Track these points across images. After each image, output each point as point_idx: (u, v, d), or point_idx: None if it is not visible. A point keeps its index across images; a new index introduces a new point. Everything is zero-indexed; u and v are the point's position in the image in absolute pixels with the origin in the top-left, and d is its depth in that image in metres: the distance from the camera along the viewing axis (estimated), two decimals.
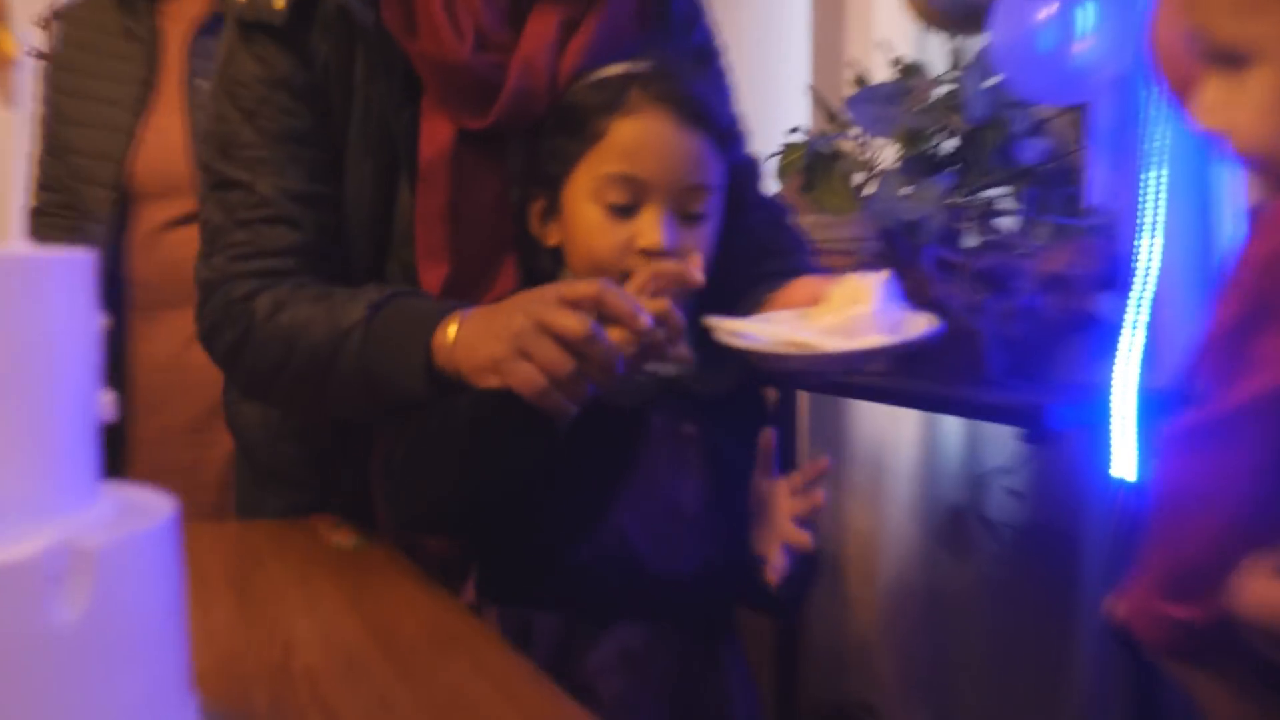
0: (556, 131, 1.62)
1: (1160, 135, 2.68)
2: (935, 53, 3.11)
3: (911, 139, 2.87)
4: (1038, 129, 3.13)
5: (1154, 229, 2.71)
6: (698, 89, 1.65)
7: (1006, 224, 3.11)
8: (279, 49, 1.62)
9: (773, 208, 2.00)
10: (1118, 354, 2.69)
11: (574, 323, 1.35)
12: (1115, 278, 2.93)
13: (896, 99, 2.95)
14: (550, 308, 1.38)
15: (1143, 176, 2.68)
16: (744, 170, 1.86)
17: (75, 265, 0.77)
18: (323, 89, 1.62)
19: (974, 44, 3.09)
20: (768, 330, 1.45)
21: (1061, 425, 2.58)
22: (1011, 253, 3.04)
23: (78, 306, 0.77)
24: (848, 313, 1.38)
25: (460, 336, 1.46)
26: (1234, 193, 2.72)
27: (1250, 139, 1.09)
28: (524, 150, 1.67)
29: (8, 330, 0.74)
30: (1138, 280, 2.68)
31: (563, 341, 1.37)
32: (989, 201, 3.05)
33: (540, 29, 1.62)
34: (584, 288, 1.40)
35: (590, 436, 1.51)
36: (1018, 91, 2.94)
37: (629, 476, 1.58)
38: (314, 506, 1.84)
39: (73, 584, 0.72)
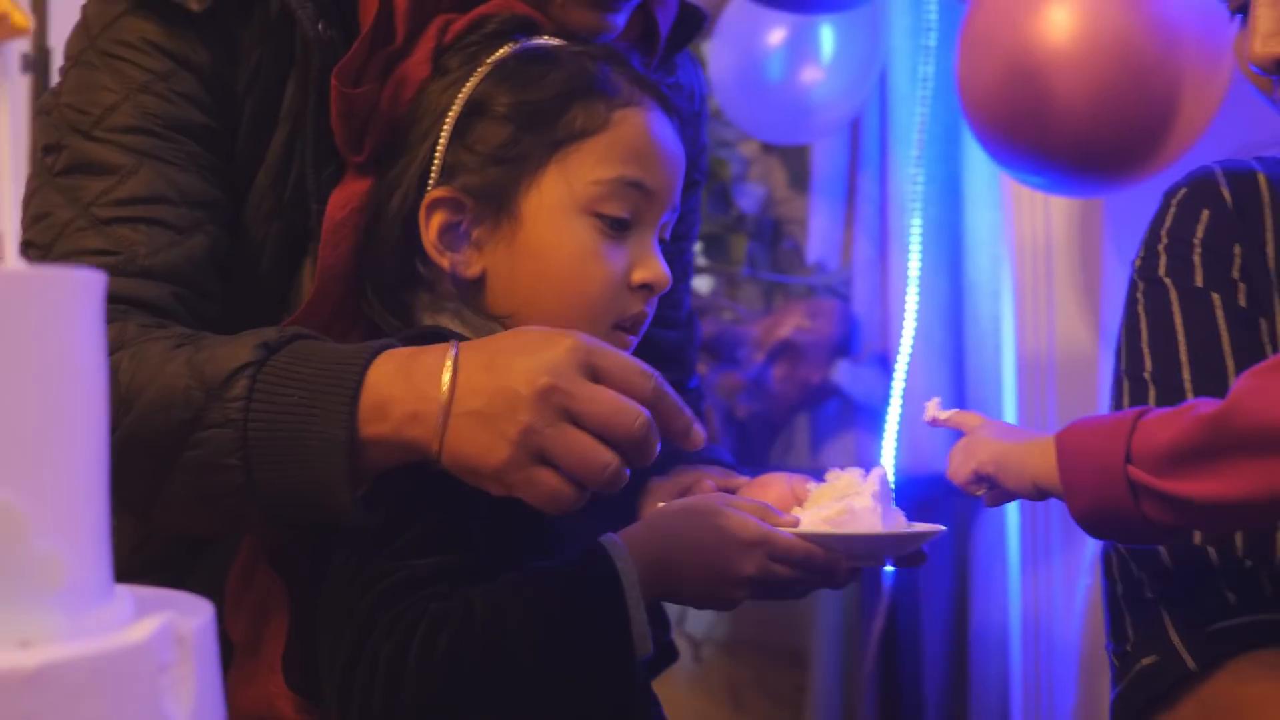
0: (501, 119, 1.22)
1: (913, 182, 2.32)
2: None
3: None
4: (745, 172, 2.76)
5: (910, 287, 2.34)
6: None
7: (700, 285, 2.78)
8: (193, 37, 1.21)
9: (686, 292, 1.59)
10: (883, 433, 2.31)
11: (617, 409, 1.04)
12: (851, 344, 2.59)
13: None
14: (576, 388, 1.04)
15: (911, 226, 2.30)
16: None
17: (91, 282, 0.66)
18: (241, 101, 1.23)
19: None
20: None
21: None
22: (720, 317, 2.66)
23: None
24: (840, 505, 1.20)
25: (441, 424, 1.05)
26: (989, 243, 2.39)
27: None
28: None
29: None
30: (903, 345, 2.30)
31: (600, 434, 1.04)
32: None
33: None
34: (639, 374, 1.06)
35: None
36: (741, 125, 2.56)
37: None
38: None
39: (179, 675, 0.65)
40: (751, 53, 2.50)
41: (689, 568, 1.16)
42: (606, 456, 1.02)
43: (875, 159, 2.58)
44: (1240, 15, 1.22)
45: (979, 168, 2.38)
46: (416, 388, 1.04)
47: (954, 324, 2.46)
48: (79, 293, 0.65)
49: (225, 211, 1.23)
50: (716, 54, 2.51)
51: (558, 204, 1.19)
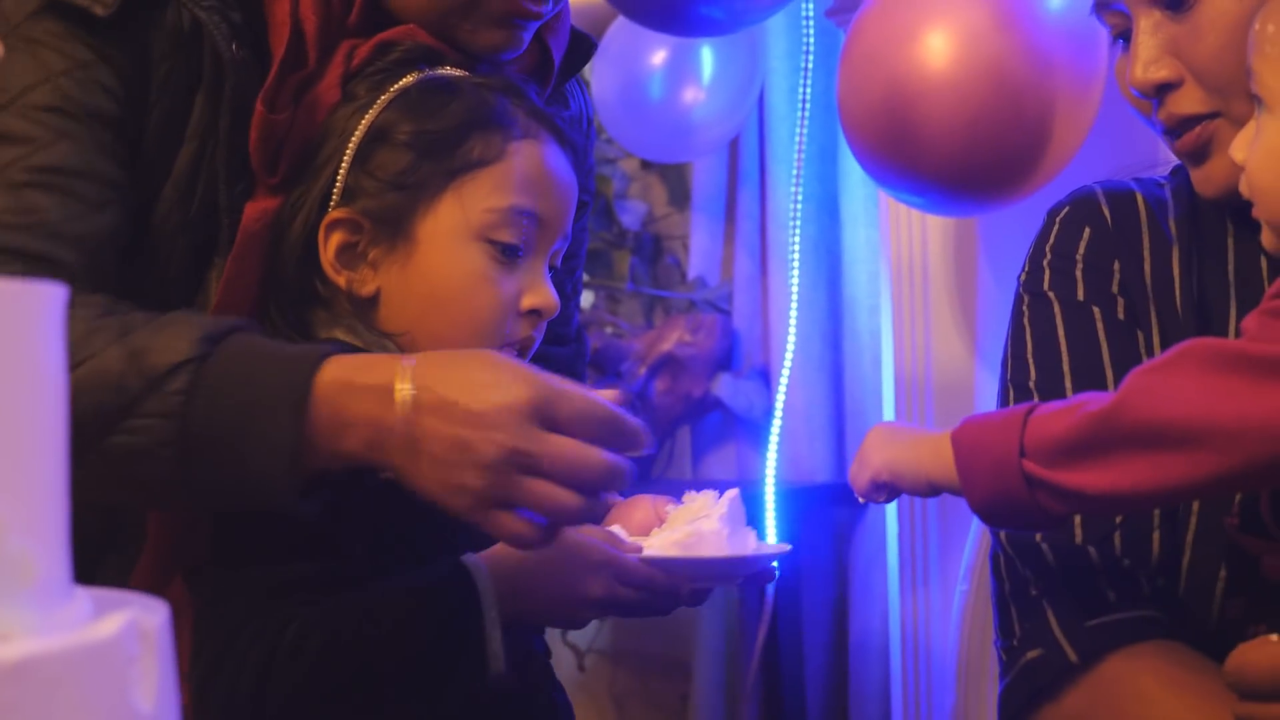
0: (401, 146, 1.26)
1: (793, 200, 2.38)
2: None
3: None
4: (626, 189, 2.80)
5: (790, 303, 2.40)
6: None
7: (583, 299, 2.81)
8: (104, 44, 1.22)
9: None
10: (767, 445, 2.35)
11: (579, 459, 1.08)
12: (732, 358, 2.64)
13: None
14: (537, 447, 1.07)
15: (791, 243, 2.36)
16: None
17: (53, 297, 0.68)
18: (150, 108, 1.24)
19: None
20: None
21: None
22: (603, 331, 2.70)
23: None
24: (689, 529, 1.26)
25: (399, 428, 1.07)
26: (867, 259, 2.46)
27: (1254, 178, 1.16)
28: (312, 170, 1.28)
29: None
30: (785, 359, 2.35)
31: (565, 483, 1.08)
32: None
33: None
34: (593, 410, 1.10)
35: None
36: (623, 144, 2.59)
37: None
38: None
39: (144, 668, 0.65)
40: (634, 73, 2.55)
41: (539, 589, 1.22)
42: (570, 499, 1.07)
43: (754, 177, 2.64)
44: (1122, 41, 1.29)
45: (856, 186, 2.45)
46: (367, 411, 1.06)
47: (833, 339, 2.52)
48: (46, 303, 0.67)
49: (131, 199, 1.23)
50: (599, 74, 2.55)
51: (452, 229, 1.24)
